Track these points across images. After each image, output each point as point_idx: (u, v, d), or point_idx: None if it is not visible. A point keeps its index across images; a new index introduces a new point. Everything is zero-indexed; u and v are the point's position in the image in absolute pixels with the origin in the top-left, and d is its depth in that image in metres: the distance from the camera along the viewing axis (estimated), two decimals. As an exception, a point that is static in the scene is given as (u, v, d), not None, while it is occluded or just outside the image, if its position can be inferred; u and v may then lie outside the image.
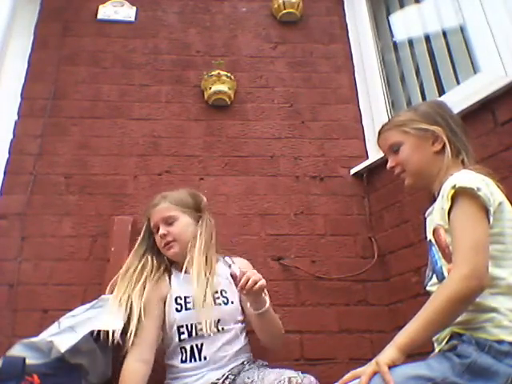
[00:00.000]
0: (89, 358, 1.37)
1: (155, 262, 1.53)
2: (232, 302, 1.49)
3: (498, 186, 1.09)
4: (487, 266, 0.97)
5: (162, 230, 1.50)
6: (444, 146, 1.17)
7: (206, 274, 1.45)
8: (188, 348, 1.42)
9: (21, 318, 1.70)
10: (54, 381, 1.29)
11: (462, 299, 0.94)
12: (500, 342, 0.92)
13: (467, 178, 1.05)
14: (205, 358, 1.40)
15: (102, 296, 1.49)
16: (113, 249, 1.73)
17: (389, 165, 1.27)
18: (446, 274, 1.06)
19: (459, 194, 1.02)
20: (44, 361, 1.32)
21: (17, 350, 1.33)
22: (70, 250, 1.84)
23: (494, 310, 0.97)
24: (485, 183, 1.04)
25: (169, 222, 1.51)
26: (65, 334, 1.35)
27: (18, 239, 1.83)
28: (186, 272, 1.48)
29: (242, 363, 1.42)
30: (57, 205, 1.92)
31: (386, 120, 1.39)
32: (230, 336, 1.44)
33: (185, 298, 1.47)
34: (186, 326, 1.43)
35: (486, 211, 1.01)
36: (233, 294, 1.50)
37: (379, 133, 1.31)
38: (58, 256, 1.82)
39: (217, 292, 1.48)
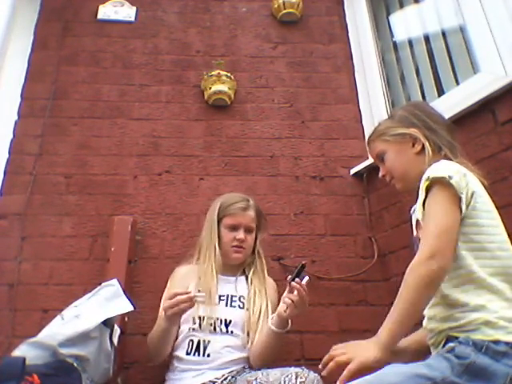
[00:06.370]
0: (94, 348, 1.38)
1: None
2: (247, 309, 1.52)
3: (484, 185, 1.10)
4: (450, 249, 0.99)
5: (242, 234, 1.59)
6: (424, 146, 1.19)
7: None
8: (195, 341, 1.46)
9: (21, 318, 1.70)
10: (53, 381, 1.28)
11: (426, 283, 0.97)
12: (496, 342, 0.92)
13: (441, 167, 1.07)
14: (208, 356, 1.44)
15: (103, 283, 1.52)
16: (113, 249, 1.74)
17: (380, 174, 1.31)
18: None
19: (433, 184, 1.05)
20: (44, 361, 1.32)
21: (22, 350, 1.33)
22: (70, 250, 1.84)
23: (482, 307, 0.96)
24: (461, 173, 1.05)
25: (249, 230, 1.62)
26: (72, 322, 1.37)
27: (18, 239, 1.83)
28: (223, 274, 1.57)
29: (243, 368, 1.46)
30: (57, 205, 1.92)
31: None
32: (237, 342, 1.48)
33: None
34: (199, 317, 1.47)
35: (459, 199, 1.02)
36: (252, 304, 1.53)
37: (367, 144, 1.35)
38: (58, 256, 1.82)
39: (235, 296, 1.54)
